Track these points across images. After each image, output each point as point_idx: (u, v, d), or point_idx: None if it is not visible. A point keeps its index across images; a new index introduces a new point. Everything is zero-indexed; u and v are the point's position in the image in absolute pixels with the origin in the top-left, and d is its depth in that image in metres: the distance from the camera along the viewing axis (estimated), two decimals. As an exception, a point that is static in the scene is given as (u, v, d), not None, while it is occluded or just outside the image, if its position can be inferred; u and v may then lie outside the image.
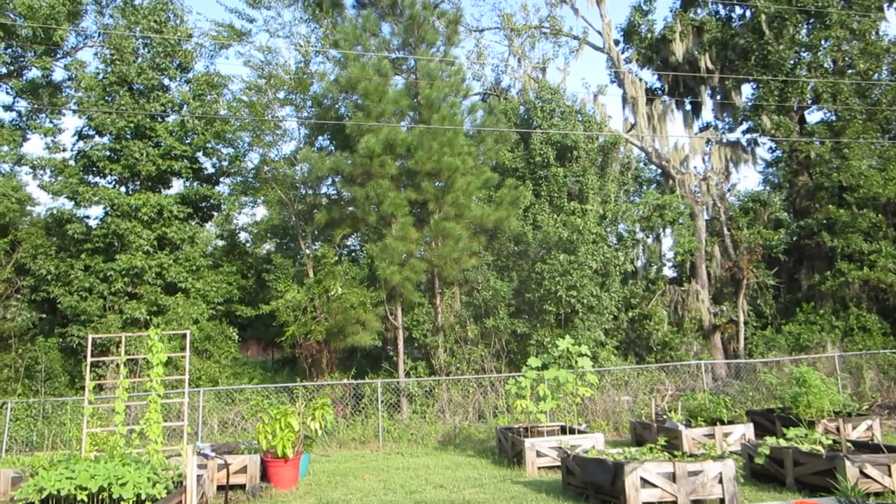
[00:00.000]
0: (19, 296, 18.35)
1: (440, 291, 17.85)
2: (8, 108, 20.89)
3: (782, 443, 8.25)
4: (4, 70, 20.58)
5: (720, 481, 7.09)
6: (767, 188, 25.93)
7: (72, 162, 19.18)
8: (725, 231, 23.31)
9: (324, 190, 20.05)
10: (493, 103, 20.10)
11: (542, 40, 25.67)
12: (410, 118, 17.69)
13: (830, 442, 8.16)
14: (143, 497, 5.60)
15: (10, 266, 17.95)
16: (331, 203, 18.89)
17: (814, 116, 25.00)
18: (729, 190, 24.53)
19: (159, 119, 19.20)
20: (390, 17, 18.36)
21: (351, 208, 17.64)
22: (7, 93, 20.94)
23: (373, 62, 16.64)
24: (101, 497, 5.56)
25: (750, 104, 24.67)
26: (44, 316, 18.54)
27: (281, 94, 20.62)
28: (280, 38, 28.22)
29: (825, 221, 22.33)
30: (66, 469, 5.61)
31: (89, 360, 8.76)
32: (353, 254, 22.85)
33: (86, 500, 5.48)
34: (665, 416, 12.14)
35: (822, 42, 23.38)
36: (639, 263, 21.54)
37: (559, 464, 9.70)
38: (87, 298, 17.22)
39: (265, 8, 21.77)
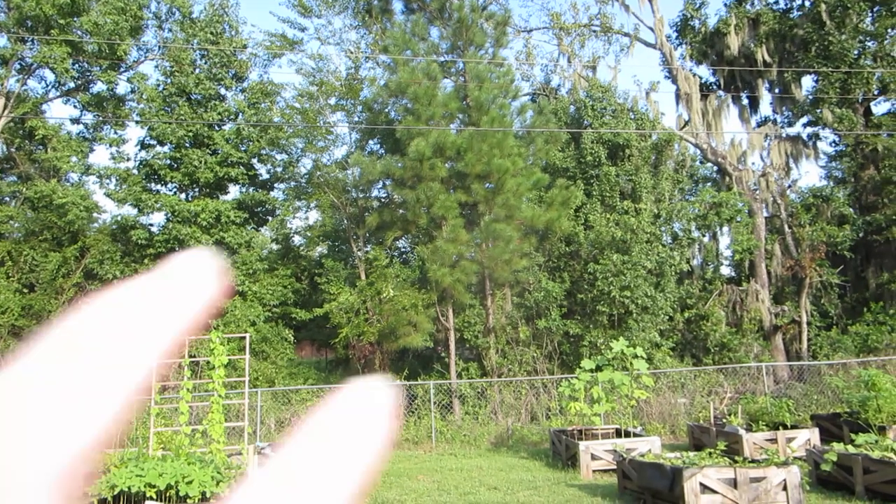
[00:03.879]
0: (88, 300, 19.22)
1: (491, 293, 17.84)
2: (76, 120, 21.94)
3: (851, 449, 7.94)
4: (73, 84, 21.61)
5: (784, 488, 6.87)
6: (830, 183, 24.92)
7: (135, 171, 20.00)
8: (786, 228, 22.53)
9: (375, 193, 20.34)
10: (543, 103, 19.97)
11: (592, 38, 25.38)
12: (460, 121, 17.75)
13: (903, 449, 7.80)
14: (207, 494, 5.81)
15: (80, 271, 18.82)
16: (382, 206, 19.13)
17: (880, 108, 23.93)
18: (789, 186, 23.70)
19: (216, 127, 19.82)
20: (438, 20, 18.47)
21: (401, 211, 17.82)
22: (75, 106, 22.01)
23: (422, 66, 16.77)
24: (168, 494, 5.79)
25: (810, 97, 23.78)
26: (111, 319, 19.35)
27: (332, 101, 21.01)
28: (331, 46, 28.76)
29: (895, 217, 21.33)
30: (136, 467, 5.86)
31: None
32: (404, 256, 23.06)
33: (154, 496, 5.71)
34: (724, 420, 11.82)
35: (889, 30, 22.35)
36: (695, 263, 21.03)
37: (614, 467, 9.57)
38: (150, 302, 17.89)
39: (316, 17, 22.23)
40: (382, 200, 19.89)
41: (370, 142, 20.38)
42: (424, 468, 11.20)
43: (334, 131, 21.54)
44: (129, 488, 5.72)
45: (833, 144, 24.71)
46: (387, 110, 18.34)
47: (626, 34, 25.23)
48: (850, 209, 23.11)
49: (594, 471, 9.91)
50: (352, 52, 21.77)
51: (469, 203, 17.00)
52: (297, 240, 27.40)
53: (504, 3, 20.52)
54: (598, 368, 11.94)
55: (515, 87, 18.18)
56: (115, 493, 5.70)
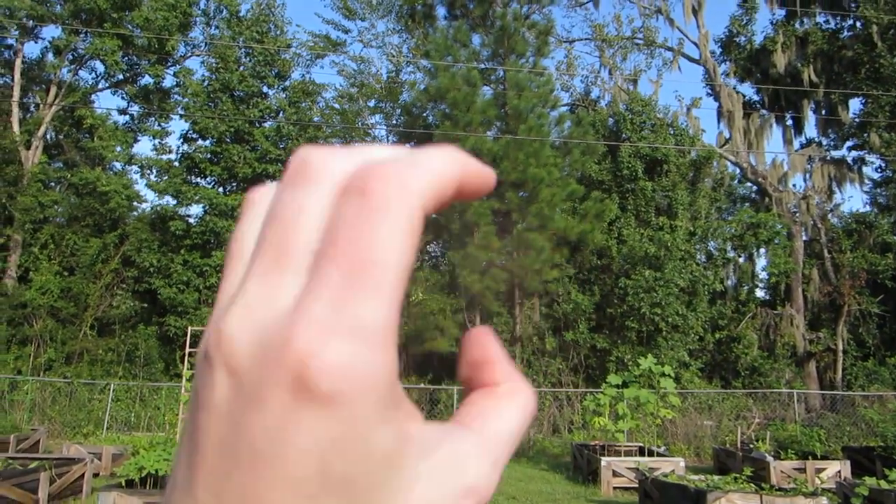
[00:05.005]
0: (124, 286, 19.71)
1: (519, 302, 17.78)
2: (122, 111, 22.55)
3: (884, 484, 7.70)
4: (121, 76, 22.22)
5: (811, 518, 6.70)
6: (874, 210, 24.26)
7: (176, 163, 20.45)
8: (826, 253, 21.99)
9: (408, 196, 20.43)
10: (582, 114, 19.89)
11: (635, 51, 25.19)
12: (497, 128, 17.77)
13: (939, 486, 7.55)
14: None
15: (118, 258, 19.29)
16: (415, 210, 19.20)
17: (930, 134, 23.24)
18: (831, 210, 23.16)
19: (257, 124, 20.18)
20: (481, 28, 18.54)
21: (434, 215, 17.85)
22: (122, 97, 22.62)
23: (462, 72, 16.84)
24: (192, 480, 5.90)
25: (857, 120, 23.22)
26: (145, 305, 19.80)
27: (371, 103, 21.21)
28: (373, 49, 29.06)
29: (940, 248, 20.69)
30: (164, 451, 5.98)
31: (187, 350, 9.29)
32: (434, 260, 23.13)
33: (179, 481, 5.83)
34: (751, 446, 11.57)
35: (944, 55, 21.74)
36: (729, 283, 20.67)
37: (636, 485, 9.44)
38: (184, 291, 18.27)
39: (360, 20, 22.51)
40: (416, 204, 20.00)
41: (407, 145, 20.41)
42: (444, 473, 11.19)
43: (372, 133, 21.74)
44: (156, 471, 5.84)
45: (879, 170, 24.08)
46: (425, 115, 18.45)
47: (669, 48, 25.00)
48: (894, 237, 22.46)
49: (615, 488, 9.79)
50: (393, 56, 21.98)
51: (502, 210, 16.98)
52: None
53: (547, 12, 20.49)
54: (625, 384, 11.80)
55: (555, 97, 18.15)
56: (143, 475, 5.83)
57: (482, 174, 0.27)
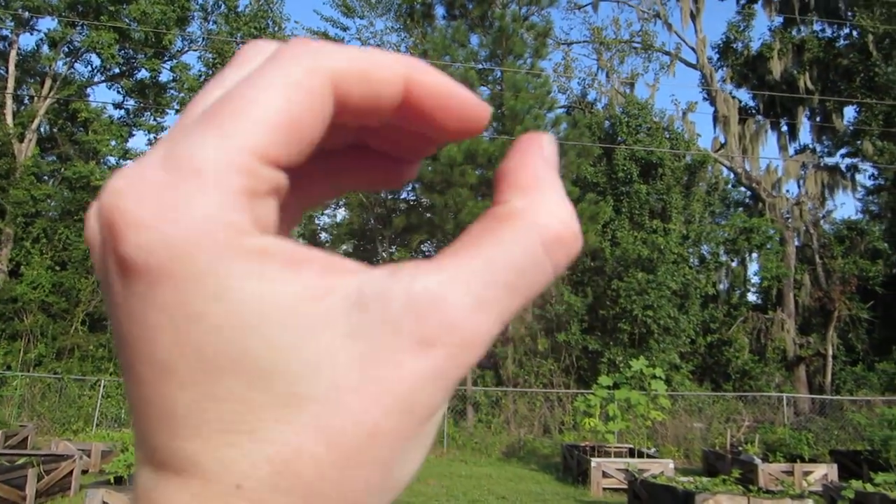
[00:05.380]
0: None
1: (512, 303, 17.80)
2: (118, 105, 22.47)
3: (869, 488, 7.76)
4: (117, 70, 22.13)
5: (798, 521, 6.75)
6: (866, 217, 24.43)
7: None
8: (817, 259, 22.13)
9: (403, 195, 20.45)
10: (578, 116, 19.93)
11: (632, 55, 25.26)
12: (493, 128, 17.79)
13: (924, 492, 7.61)
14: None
15: (111, 252, 19.20)
16: (409, 209, 19.23)
17: (923, 143, 23.42)
18: (824, 216, 23.29)
19: (253, 120, 20.12)
20: (479, 28, 18.56)
21: (429, 215, 17.90)
22: (118, 91, 22.54)
23: (460, 72, 16.85)
24: (182, 476, 5.88)
25: (851, 128, 23.37)
26: (137, 301, 19.73)
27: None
28: (371, 47, 29.04)
29: (930, 255, 20.85)
30: (153, 446, 5.96)
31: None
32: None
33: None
34: (740, 448, 11.64)
35: (937, 64, 21.90)
36: (721, 287, 20.76)
37: (625, 486, 9.48)
38: (177, 287, 18.20)
39: (359, 17, 22.49)
40: (411, 203, 19.99)
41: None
42: (434, 472, 11.21)
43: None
44: (145, 467, 5.82)
45: (872, 177, 24.25)
46: (421, 114, 18.46)
47: (667, 53, 25.08)
48: (885, 244, 22.62)
49: (605, 488, 9.83)
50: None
51: (497, 211, 16.99)
52: (323, 236, 27.68)
53: (546, 14, 20.53)
54: (616, 386, 11.85)
55: (551, 99, 18.19)
56: (132, 471, 5.81)
57: (455, 97, 0.23)
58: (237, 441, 0.17)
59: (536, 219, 0.21)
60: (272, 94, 0.19)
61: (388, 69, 0.21)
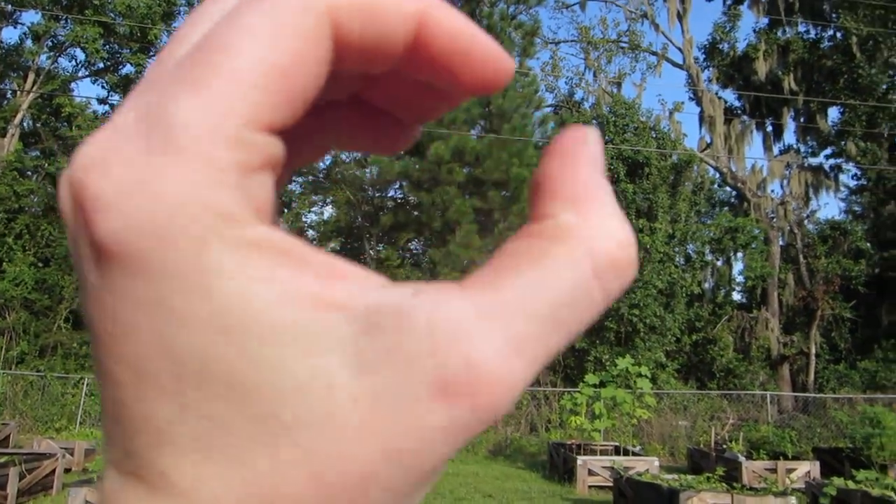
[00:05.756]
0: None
1: (500, 301, 17.84)
2: (102, 100, 22.23)
3: (851, 485, 7.86)
4: (102, 65, 21.90)
5: (781, 518, 6.82)
6: (849, 217, 24.72)
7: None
8: (801, 259, 22.36)
9: (391, 193, 20.43)
10: (565, 115, 20.01)
11: (620, 55, 25.37)
12: (481, 127, 17.81)
13: (904, 488, 7.72)
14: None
15: (95, 249, 19.01)
16: (397, 206, 19.20)
17: (905, 144, 23.72)
18: (807, 216, 23.54)
19: (240, 117, 19.99)
20: (467, 26, 18.55)
21: (416, 213, 17.89)
22: (102, 86, 22.30)
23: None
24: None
25: (835, 129, 23.62)
26: (122, 298, 19.55)
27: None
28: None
29: (911, 255, 21.12)
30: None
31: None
32: (416, 258, 23.12)
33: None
34: (725, 446, 11.75)
35: (919, 66, 22.19)
36: (706, 286, 20.93)
37: (611, 484, 9.54)
38: (162, 284, 18.06)
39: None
40: (398, 201, 19.97)
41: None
42: (420, 470, 11.20)
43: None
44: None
45: (855, 178, 24.54)
46: (409, 112, 18.45)
47: (653, 53, 25.22)
48: (868, 244, 22.90)
49: (590, 486, 9.88)
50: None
51: (484, 210, 17.03)
52: (310, 233, 27.59)
53: (534, 13, 20.58)
54: (602, 384, 11.91)
55: (539, 98, 18.24)
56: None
57: (477, 43, 0.19)
58: (213, 460, 0.15)
59: (590, 240, 0.17)
60: (260, 41, 0.16)
61: (397, 4, 0.17)
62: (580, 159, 0.18)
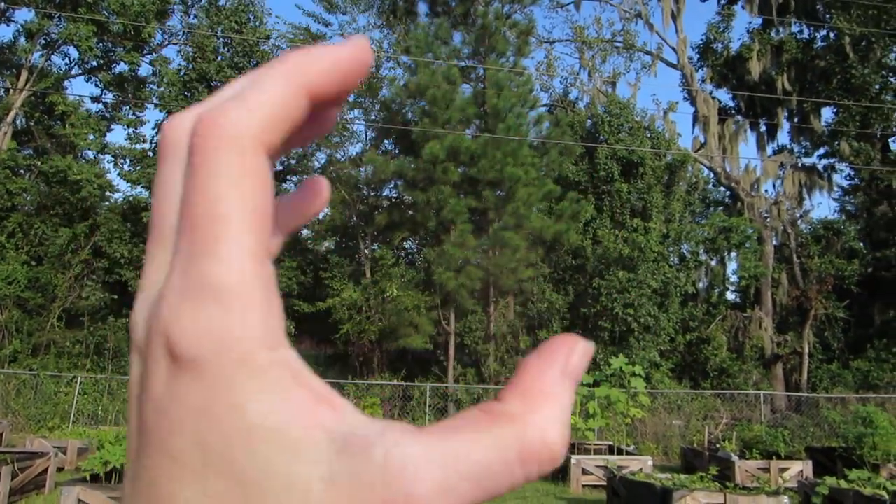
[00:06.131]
0: (94, 277, 19.36)
1: (494, 300, 17.85)
2: (96, 99, 22.11)
3: (843, 484, 7.89)
4: (95, 63, 21.79)
5: (773, 517, 6.84)
6: (843, 217, 24.83)
7: (151, 153, 20.14)
8: (795, 258, 22.45)
9: (386, 192, 20.41)
10: (560, 115, 20.02)
11: (614, 54, 25.40)
12: (476, 126, 17.80)
13: (896, 488, 7.75)
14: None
15: (88, 248, 18.94)
16: (392, 206, 19.17)
17: (898, 144, 23.83)
18: (801, 216, 23.62)
19: (234, 116, 19.90)
20: (462, 25, 18.54)
21: (411, 212, 17.87)
22: (96, 85, 22.20)
23: (442, 70, 16.83)
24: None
25: (829, 129, 23.71)
26: (115, 297, 19.47)
27: (350, 97, 21.08)
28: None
29: (904, 255, 21.23)
30: (130, 445, 5.89)
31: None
32: (411, 257, 23.10)
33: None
34: (718, 445, 11.78)
35: (912, 67, 22.29)
36: (700, 286, 20.98)
37: (604, 483, 9.56)
38: (155, 283, 17.99)
39: (341, 13, 22.36)
40: (393, 200, 19.95)
41: (385, 141, 20.45)
42: (415, 470, 11.20)
43: (350, 128, 21.63)
44: (121, 466, 5.76)
45: (848, 178, 24.64)
46: (404, 111, 18.41)
47: (648, 52, 25.25)
48: (861, 244, 23.01)
49: (584, 485, 9.89)
50: (374, 51, 21.85)
51: (479, 209, 17.03)
52: (304, 232, 27.53)
53: (529, 12, 20.58)
54: (596, 384, 11.93)
55: (534, 97, 18.23)
56: (108, 469, 5.75)
57: (342, 60, 0.23)
58: None
59: (522, 431, 0.21)
60: (231, 199, 0.21)
61: (292, 99, 0.22)
62: (555, 364, 0.23)
